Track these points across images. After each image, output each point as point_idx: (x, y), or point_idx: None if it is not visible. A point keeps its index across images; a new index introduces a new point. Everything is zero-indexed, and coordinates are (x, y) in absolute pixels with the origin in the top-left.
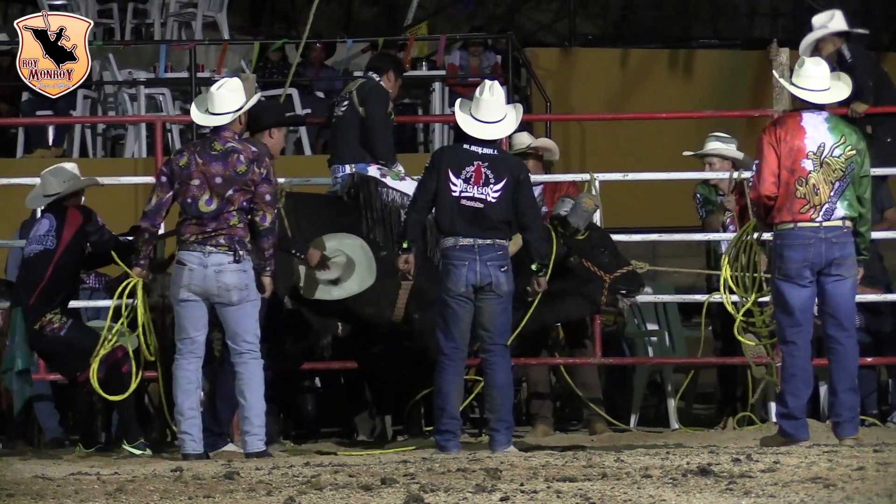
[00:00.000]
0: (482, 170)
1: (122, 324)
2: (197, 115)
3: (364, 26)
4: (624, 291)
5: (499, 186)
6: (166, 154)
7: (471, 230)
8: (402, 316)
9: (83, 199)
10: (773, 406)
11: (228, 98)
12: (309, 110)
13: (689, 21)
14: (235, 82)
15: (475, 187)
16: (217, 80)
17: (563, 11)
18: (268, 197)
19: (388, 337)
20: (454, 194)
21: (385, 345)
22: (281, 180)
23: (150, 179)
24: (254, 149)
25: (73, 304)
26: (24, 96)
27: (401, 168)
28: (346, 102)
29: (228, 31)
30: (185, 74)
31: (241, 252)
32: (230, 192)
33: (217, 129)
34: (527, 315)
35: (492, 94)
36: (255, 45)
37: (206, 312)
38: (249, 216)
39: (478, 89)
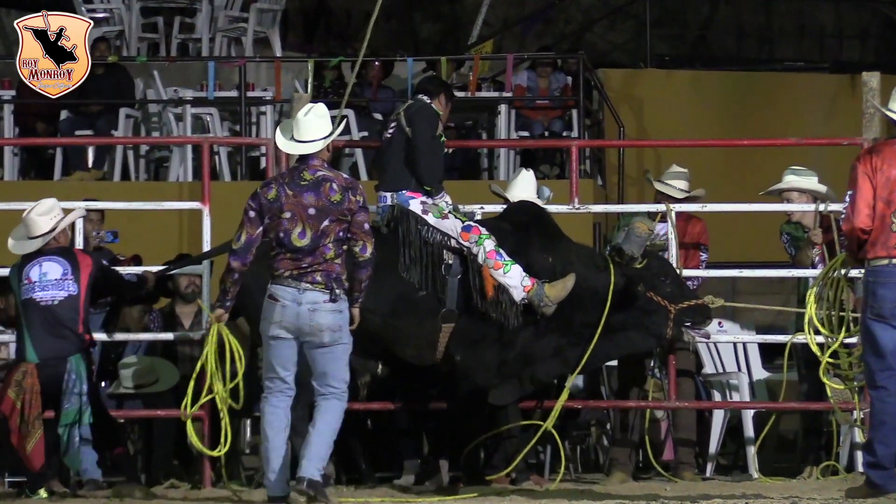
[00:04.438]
0: None
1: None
2: (283, 143)
3: (425, 44)
4: (689, 323)
5: None
6: (213, 178)
7: None
8: (443, 358)
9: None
10: (859, 455)
11: (316, 124)
12: (366, 133)
13: (772, 42)
14: (322, 108)
15: None
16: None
17: (637, 31)
18: (366, 226)
19: (445, 378)
20: None
21: (442, 387)
22: None
23: (196, 205)
24: (346, 176)
25: (126, 336)
26: (63, 115)
27: (447, 200)
28: (393, 124)
29: (280, 48)
30: (234, 93)
31: (337, 291)
32: (325, 222)
33: (305, 158)
34: (588, 349)
35: None
36: (309, 63)
37: (297, 351)
38: (346, 247)
39: None
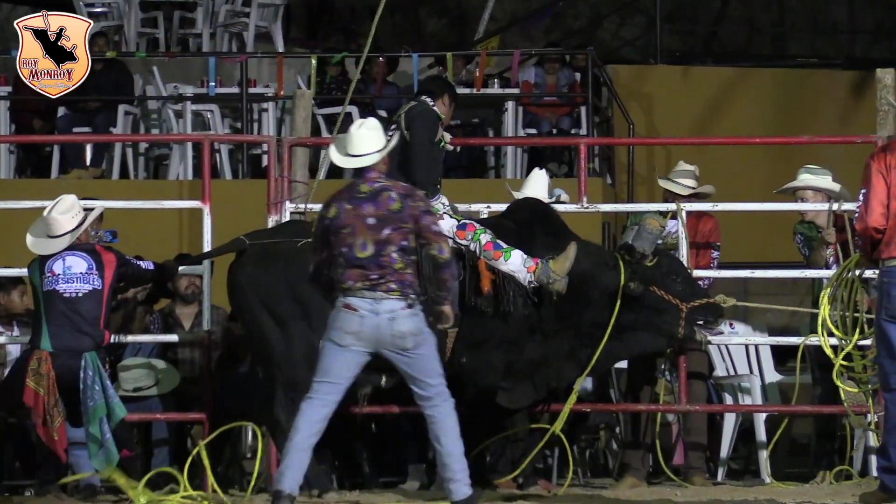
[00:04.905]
0: None
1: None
2: (338, 158)
3: (431, 39)
4: (701, 322)
5: None
6: (214, 176)
7: None
8: (448, 361)
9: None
10: (874, 459)
11: (369, 138)
12: None
13: (784, 38)
14: (374, 122)
15: None
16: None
17: (647, 26)
18: (434, 227)
19: (450, 382)
20: None
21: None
22: (317, 207)
23: (197, 203)
24: (404, 184)
25: (142, 338)
26: (60, 111)
27: (444, 201)
28: (393, 127)
29: (283, 44)
30: (235, 90)
31: (412, 296)
32: (387, 231)
33: (361, 172)
34: (597, 350)
35: None
36: (311, 58)
37: (363, 365)
38: (414, 257)
39: None
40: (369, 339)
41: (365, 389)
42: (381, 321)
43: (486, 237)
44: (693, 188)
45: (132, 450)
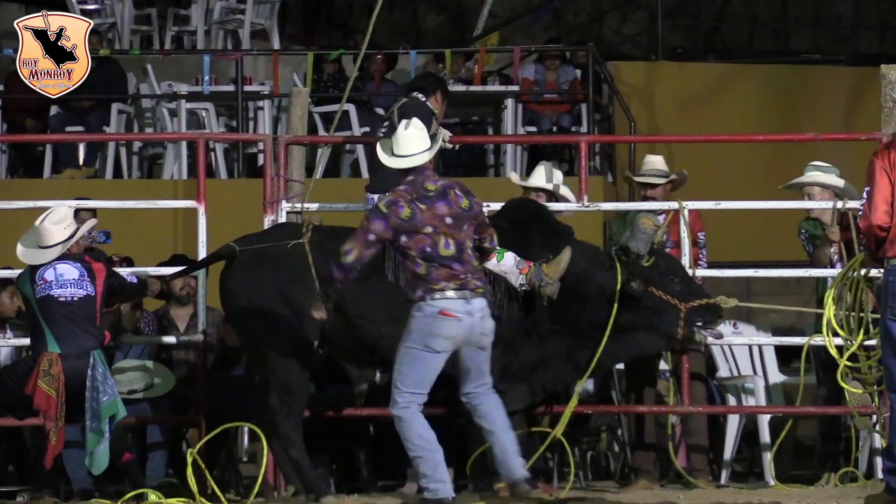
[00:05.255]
0: None
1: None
2: (386, 159)
3: (429, 36)
4: (700, 323)
5: None
6: (209, 176)
7: None
8: None
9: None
10: (879, 461)
11: (416, 137)
12: (367, 128)
13: (788, 34)
14: (419, 122)
15: None
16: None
17: (649, 22)
18: (487, 221)
19: (448, 384)
20: None
21: (446, 393)
22: (313, 206)
23: (191, 203)
24: (458, 181)
25: (140, 339)
26: (53, 110)
27: None
28: (386, 123)
29: (279, 41)
30: (230, 88)
31: (490, 293)
32: (464, 228)
33: (419, 170)
34: (596, 352)
35: None
36: (308, 56)
37: None
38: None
39: None
40: (461, 339)
41: (361, 386)
42: (474, 321)
43: None
44: (666, 177)
45: (132, 453)
